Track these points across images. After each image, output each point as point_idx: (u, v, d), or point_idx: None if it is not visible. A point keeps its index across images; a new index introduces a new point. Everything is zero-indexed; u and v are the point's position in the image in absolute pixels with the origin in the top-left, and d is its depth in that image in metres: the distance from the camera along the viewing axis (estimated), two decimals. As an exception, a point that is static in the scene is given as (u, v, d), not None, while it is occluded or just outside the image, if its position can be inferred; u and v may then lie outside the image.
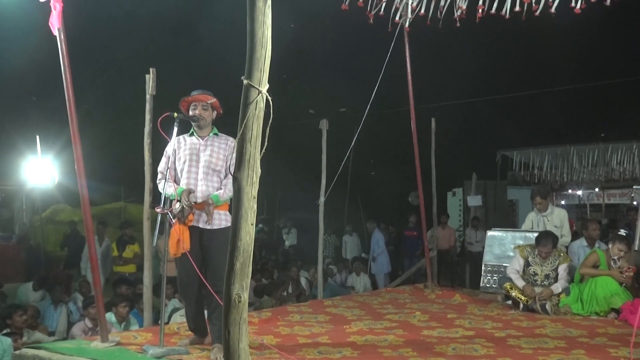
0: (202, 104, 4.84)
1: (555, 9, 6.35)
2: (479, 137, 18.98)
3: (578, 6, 6.18)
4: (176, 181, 4.75)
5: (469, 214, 15.12)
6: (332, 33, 15.17)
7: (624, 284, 6.49)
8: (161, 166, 4.84)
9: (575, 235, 8.55)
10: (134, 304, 7.41)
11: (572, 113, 19.30)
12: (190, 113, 4.84)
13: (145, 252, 6.00)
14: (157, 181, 4.84)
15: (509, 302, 6.94)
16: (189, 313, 4.88)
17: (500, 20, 6.87)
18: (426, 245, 8.62)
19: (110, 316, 6.72)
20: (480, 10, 6.75)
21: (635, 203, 15.24)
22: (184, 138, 4.87)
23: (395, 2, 7.28)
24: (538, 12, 6.47)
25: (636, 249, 6.84)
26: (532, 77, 18.08)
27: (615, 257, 6.63)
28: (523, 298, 6.67)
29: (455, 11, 6.94)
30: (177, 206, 4.56)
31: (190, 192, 4.64)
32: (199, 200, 4.64)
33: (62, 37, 4.66)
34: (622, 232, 7.21)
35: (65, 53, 4.67)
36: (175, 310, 7.36)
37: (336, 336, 5.31)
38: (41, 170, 10.72)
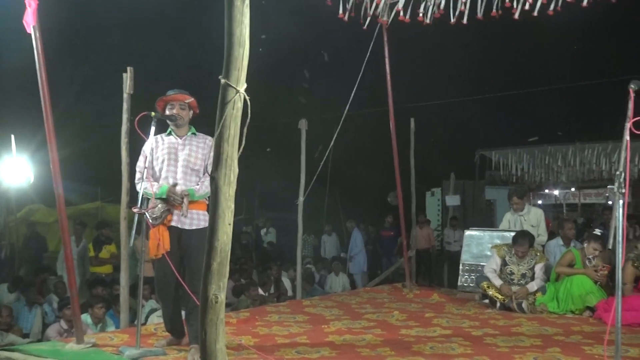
0: (179, 104, 4.81)
1: (537, 11, 6.44)
2: (458, 137, 19.11)
3: (552, 7, 6.28)
4: (155, 181, 4.71)
5: (448, 214, 15.22)
6: (312, 32, 15.17)
7: (598, 283, 6.57)
8: (139, 166, 4.79)
9: (551, 235, 8.65)
10: (110, 305, 7.34)
11: (550, 114, 19.53)
12: (168, 112, 4.81)
13: (122, 253, 5.94)
14: (136, 181, 4.79)
15: (486, 301, 6.99)
16: (166, 314, 4.84)
17: (479, 21, 6.95)
18: (404, 244, 8.66)
19: (85, 317, 6.64)
20: (456, 14, 6.84)
21: (610, 202, 15.45)
22: (161, 137, 4.84)
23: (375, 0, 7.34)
24: (516, 15, 6.56)
25: (610, 247, 6.93)
26: (511, 78, 18.26)
27: (590, 256, 6.72)
28: (500, 297, 6.73)
29: (431, 11, 7.01)
30: (159, 206, 4.52)
31: (175, 186, 4.61)
32: (178, 201, 4.61)
33: (38, 34, 4.60)
34: (597, 231, 7.31)
35: (40, 51, 4.61)
36: (152, 311, 7.31)
37: (314, 336, 5.31)
38: (16, 169, 10.54)
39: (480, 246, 8.06)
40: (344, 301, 7.35)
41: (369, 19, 7.43)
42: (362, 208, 18.45)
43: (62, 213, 4.82)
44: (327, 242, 14.52)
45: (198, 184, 4.70)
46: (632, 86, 4.53)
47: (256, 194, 19.05)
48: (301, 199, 7.63)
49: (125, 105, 5.82)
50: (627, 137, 4.29)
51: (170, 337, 4.88)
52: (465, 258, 8.18)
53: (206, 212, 4.67)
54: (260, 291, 8.89)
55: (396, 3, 7.26)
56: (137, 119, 4.55)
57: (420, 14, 7.11)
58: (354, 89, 7.62)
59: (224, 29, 2.59)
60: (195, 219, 4.67)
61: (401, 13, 7.16)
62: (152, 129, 4.62)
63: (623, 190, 3.68)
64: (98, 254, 10.23)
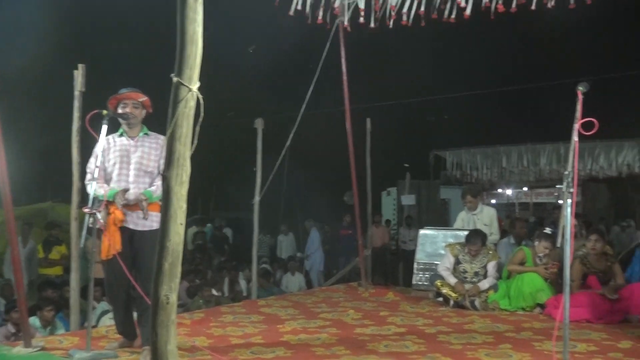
0: (132, 102, 4.72)
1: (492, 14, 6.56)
2: (413, 138, 19.34)
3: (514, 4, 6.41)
4: (106, 183, 4.62)
5: (403, 213, 15.37)
6: (268, 31, 15.11)
7: (548, 280, 6.72)
8: (90, 167, 4.70)
9: (503, 233, 8.82)
10: (60, 308, 7.16)
11: (503, 115, 19.94)
12: (120, 111, 4.71)
13: (73, 254, 5.80)
14: (86, 182, 4.69)
15: (440, 299, 7.08)
16: (118, 316, 4.77)
17: (435, 23, 7.05)
18: (360, 243, 8.69)
19: (34, 320, 6.46)
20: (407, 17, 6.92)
21: (560, 202, 15.83)
22: (113, 138, 4.74)
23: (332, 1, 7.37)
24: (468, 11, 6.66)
25: (559, 245, 7.10)
26: (464, 80, 18.56)
27: (541, 254, 6.87)
28: (453, 295, 6.83)
29: (388, 13, 7.07)
30: (101, 213, 4.41)
31: (125, 191, 4.52)
32: (132, 203, 4.53)
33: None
34: (548, 230, 7.48)
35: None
36: (104, 313, 7.15)
37: (269, 336, 5.29)
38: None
39: (435, 245, 8.15)
40: (300, 301, 7.35)
41: (328, 17, 7.44)
42: (319, 207, 18.50)
43: (9, 213, 4.67)
44: (284, 242, 14.50)
45: (154, 185, 4.62)
46: (581, 88, 4.66)
47: (212, 194, 18.89)
48: (257, 198, 7.57)
49: (76, 104, 5.69)
50: (575, 137, 4.41)
51: (122, 340, 4.80)
52: (420, 257, 8.27)
53: (159, 214, 4.58)
54: (214, 292, 8.80)
55: (353, 4, 7.29)
56: (88, 117, 4.45)
57: (378, 14, 7.17)
58: (310, 89, 7.62)
59: (177, 27, 2.55)
60: (148, 220, 4.60)
61: (361, 15, 7.20)
62: (104, 127, 4.53)
63: (571, 190, 3.78)
64: (48, 255, 9.98)
